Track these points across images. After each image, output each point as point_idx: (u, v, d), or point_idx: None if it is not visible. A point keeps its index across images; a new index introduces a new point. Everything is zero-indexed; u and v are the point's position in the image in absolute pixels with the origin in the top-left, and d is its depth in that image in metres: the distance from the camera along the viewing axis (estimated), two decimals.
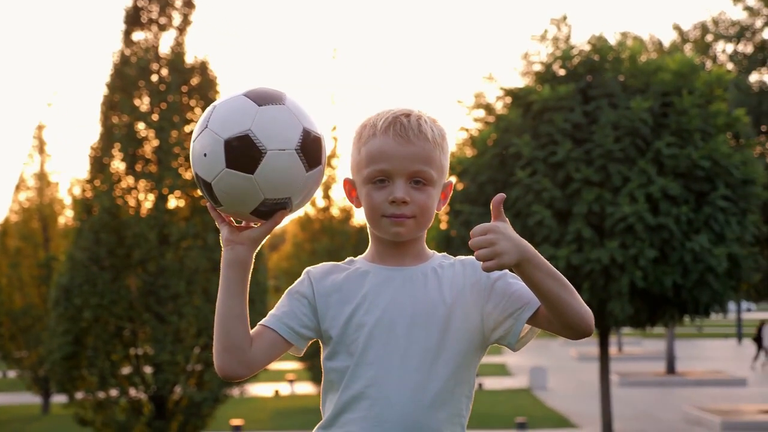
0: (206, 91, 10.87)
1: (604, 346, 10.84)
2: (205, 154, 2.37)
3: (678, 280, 9.55)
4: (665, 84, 9.98)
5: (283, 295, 2.54)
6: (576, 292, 2.35)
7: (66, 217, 21.51)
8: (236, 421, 16.74)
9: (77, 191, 11.74)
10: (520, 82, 10.36)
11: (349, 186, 2.58)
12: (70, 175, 26.91)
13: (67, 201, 21.38)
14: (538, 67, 10.35)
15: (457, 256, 2.58)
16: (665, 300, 9.89)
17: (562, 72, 10.24)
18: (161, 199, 10.62)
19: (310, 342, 2.55)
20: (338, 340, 2.48)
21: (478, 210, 9.83)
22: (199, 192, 8.36)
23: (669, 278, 9.51)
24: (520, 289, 2.44)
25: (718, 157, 9.72)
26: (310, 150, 2.40)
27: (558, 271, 2.34)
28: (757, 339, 29.02)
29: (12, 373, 24.59)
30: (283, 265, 23.08)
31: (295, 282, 2.55)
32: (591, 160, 9.66)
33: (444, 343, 2.47)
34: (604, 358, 10.88)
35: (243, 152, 2.33)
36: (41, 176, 21.88)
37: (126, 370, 10.86)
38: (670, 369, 24.90)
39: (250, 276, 2.47)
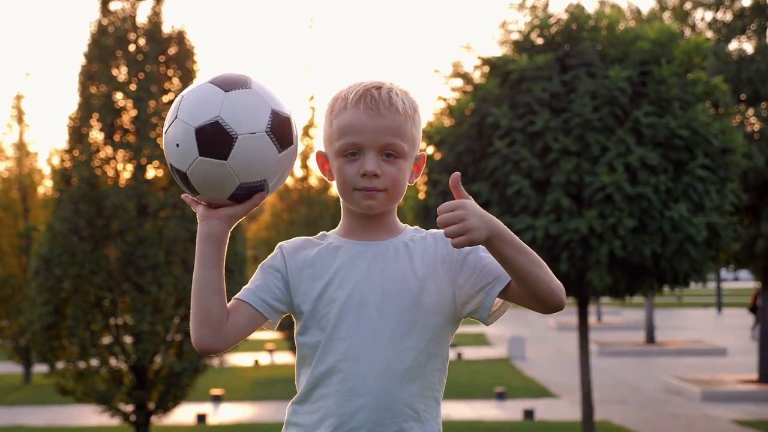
0: (184, 61, 10.84)
1: (582, 315, 10.89)
2: (177, 145, 2.40)
3: (657, 249, 9.57)
4: (644, 53, 9.96)
5: (256, 270, 2.57)
6: (546, 267, 2.38)
7: (45, 187, 21.44)
8: (216, 391, 16.80)
9: (56, 161, 11.67)
10: (498, 52, 10.34)
11: (322, 159, 2.61)
12: (49, 145, 26.78)
13: (47, 171, 21.32)
14: (516, 36, 10.33)
15: (429, 230, 2.60)
16: (644, 269, 9.92)
17: (540, 41, 10.22)
18: (139, 170, 10.60)
19: (283, 316, 2.58)
20: (310, 315, 2.51)
21: None
22: None
23: (648, 247, 9.53)
24: (492, 263, 2.47)
25: (696, 126, 9.73)
26: (281, 131, 2.43)
27: (527, 246, 2.38)
28: (753, 309, 28.89)
29: None
30: (262, 235, 23.12)
31: (268, 257, 2.58)
32: (569, 130, 9.67)
33: (416, 317, 2.50)
34: (583, 328, 10.92)
35: (214, 139, 2.36)
36: (20, 146, 21.78)
37: (106, 340, 10.87)
38: (650, 339, 25.05)
39: (225, 251, 2.49)
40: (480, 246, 2.43)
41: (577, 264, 9.63)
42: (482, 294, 2.48)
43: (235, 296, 2.51)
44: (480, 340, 28.78)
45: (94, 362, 10.79)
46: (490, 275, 2.47)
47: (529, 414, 14.02)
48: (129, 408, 10.96)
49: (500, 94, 9.88)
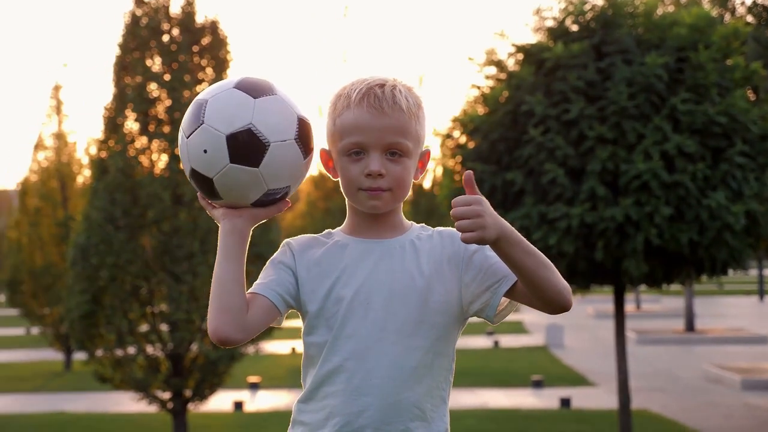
0: (217, 51, 10.85)
1: (619, 304, 10.81)
2: (205, 150, 2.38)
3: (694, 237, 9.48)
4: (681, 38, 9.85)
5: (266, 266, 2.54)
6: (554, 268, 2.36)
7: (84, 176, 21.60)
8: (253, 379, 16.88)
9: (93, 151, 11.75)
10: (533, 39, 10.26)
11: (326, 156, 2.60)
12: (87, 135, 26.97)
13: (85, 161, 21.49)
14: (550, 23, 10.24)
15: (435, 228, 2.59)
16: (681, 258, 9.83)
17: (575, 28, 10.13)
18: (174, 159, 10.64)
19: (288, 311, 2.58)
20: (317, 314, 2.49)
21: (490, 168, 9.78)
22: None
23: (685, 236, 9.44)
24: (498, 262, 2.44)
25: (735, 113, 9.60)
26: (306, 137, 2.45)
27: (535, 248, 2.35)
28: None
29: (36, 330, 24.82)
30: (297, 224, 23.16)
31: (276, 253, 2.57)
32: (605, 118, 9.58)
33: (422, 315, 2.47)
34: (620, 317, 10.85)
35: (247, 146, 2.36)
36: (59, 136, 21.96)
37: (143, 328, 10.93)
38: (690, 326, 24.83)
39: (247, 245, 2.47)
40: (487, 245, 2.40)
41: (613, 252, 9.55)
42: (488, 293, 2.46)
43: (248, 291, 2.49)
44: (517, 328, 28.69)
45: (132, 350, 10.86)
46: (496, 274, 2.45)
47: (565, 402, 13.96)
48: (166, 395, 11.02)
49: (535, 81, 9.81)
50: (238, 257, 2.45)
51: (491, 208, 2.31)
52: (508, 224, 2.31)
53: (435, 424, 2.49)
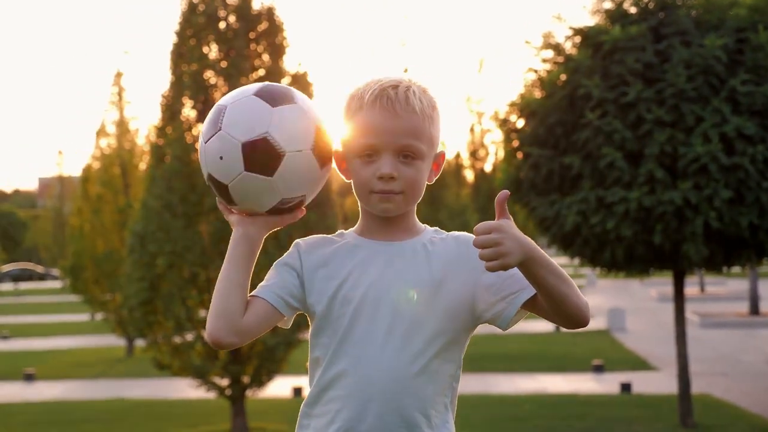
0: (273, 38, 10.85)
1: (678, 288, 10.70)
2: (221, 157, 2.39)
3: (755, 220, 9.35)
4: (740, 19, 9.70)
5: (271, 268, 2.51)
6: (575, 285, 2.32)
7: (146, 163, 21.78)
8: None
9: (153, 138, 11.82)
10: (590, 22, 10.15)
11: (339, 157, 2.57)
12: (148, 123, 27.23)
13: (147, 148, 21.65)
14: (608, 6, 10.13)
15: (450, 232, 2.53)
16: (741, 241, 9.69)
17: (633, 10, 10.01)
18: None
19: (296, 314, 2.54)
20: (323, 315, 2.46)
21: (547, 152, 9.71)
22: None
23: (745, 219, 9.32)
24: (516, 273, 2.39)
25: None
26: (322, 148, 2.44)
27: (559, 266, 2.30)
28: None
29: (99, 317, 25.12)
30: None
31: (284, 254, 2.53)
32: (663, 100, 9.46)
33: (430, 321, 2.43)
34: (679, 301, 10.74)
35: (262, 155, 2.36)
36: (121, 123, 22.14)
37: (201, 314, 10.98)
38: (754, 310, 24.47)
39: (258, 252, 2.46)
40: None
41: (672, 236, 9.45)
42: (504, 303, 2.42)
43: (251, 293, 2.48)
44: None
45: (190, 337, 10.91)
46: (514, 285, 2.41)
47: (626, 387, 13.83)
48: (224, 382, 11.08)
49: (592, 65, 9.72)
50: (244, 263, 2.44)
51: (515, 230, 2.26)
52: (533, 245, 2.28)
53: (439, 431, 2.46)
